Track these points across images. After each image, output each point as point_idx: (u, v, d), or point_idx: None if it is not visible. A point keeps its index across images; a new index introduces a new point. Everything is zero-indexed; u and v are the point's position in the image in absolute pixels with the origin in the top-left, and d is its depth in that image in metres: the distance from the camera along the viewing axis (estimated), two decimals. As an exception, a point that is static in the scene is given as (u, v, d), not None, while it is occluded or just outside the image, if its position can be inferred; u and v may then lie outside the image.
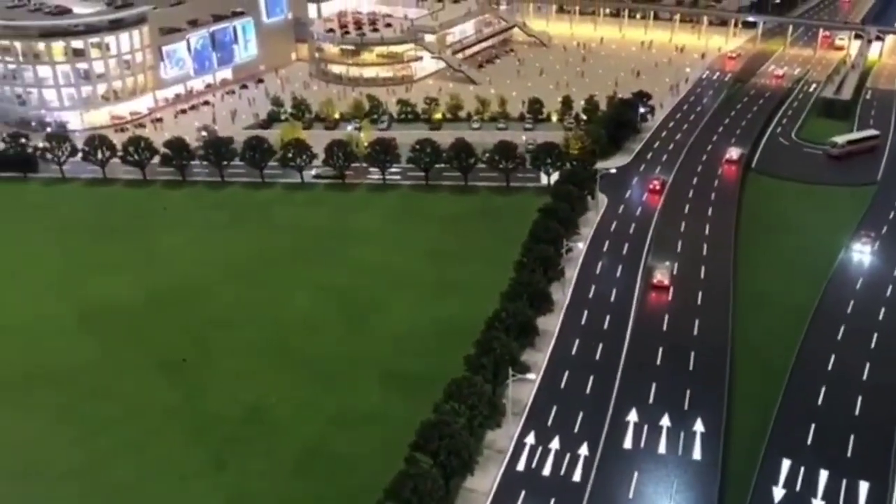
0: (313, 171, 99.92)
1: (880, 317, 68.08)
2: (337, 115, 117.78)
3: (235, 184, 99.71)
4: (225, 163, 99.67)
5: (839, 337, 65.21)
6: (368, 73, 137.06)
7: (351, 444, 56.50)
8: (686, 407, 57.65)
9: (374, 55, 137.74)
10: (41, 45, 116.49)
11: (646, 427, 56.00)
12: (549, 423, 57.47)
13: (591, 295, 72.96)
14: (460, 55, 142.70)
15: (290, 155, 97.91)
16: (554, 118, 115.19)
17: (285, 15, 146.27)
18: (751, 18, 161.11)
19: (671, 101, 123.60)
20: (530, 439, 55.97)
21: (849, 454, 53.16)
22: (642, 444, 54.67)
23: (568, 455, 54.45)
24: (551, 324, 67.97)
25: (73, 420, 60.02)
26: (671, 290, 72.35)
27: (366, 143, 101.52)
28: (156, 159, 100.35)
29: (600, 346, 65.64)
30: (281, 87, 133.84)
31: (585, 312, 70.28)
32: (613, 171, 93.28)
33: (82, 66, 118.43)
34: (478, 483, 52.08)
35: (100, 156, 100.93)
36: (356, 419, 58.98)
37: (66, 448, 57.40)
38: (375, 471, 51.20)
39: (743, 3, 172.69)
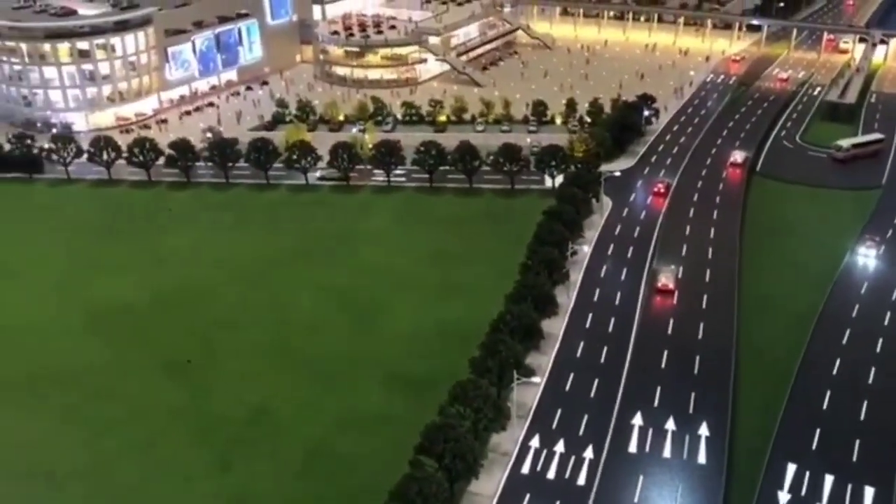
0: (318, 173, 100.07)
1: (886, 321, 67.98)
2: (341, 117, 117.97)
3: (240, 185, 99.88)
4: (230, 164, 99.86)
5: (844, 341, 65.13)
6: (373, 75, 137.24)
7: (355, 445, 56.55)
8: (691, 411, 57.63)
9: (379, 57, 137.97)
10: (47, 47, 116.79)
11: (651, 431, 55.99)
12: (554, 426, 57.48)
13: (595, 298, 72.96)
14: (464, 57, 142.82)
15: (294, 156, 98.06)
16: (558, 121, 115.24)
17: (290, 17, 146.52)
18: (755, 22, 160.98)
19: (675, 103, 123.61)
20: (535, 442, 55.98)
21: (854, 459, 53.09)
22: (647, 448, 54.64)
23: (573, 458, 54.46)
24: (556, 327, 67.99)
25: (78, 421, 60.14)
26: (676, 293, 72.29)
27: (370, 145, 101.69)
28: (161, 160, 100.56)
29: (605, 349, 65.65)
30: (285, 89, 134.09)
31: (590, 315, 70.28)
32: (618, 173, 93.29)
33: (87, 67, 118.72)
34: (482, 486, 52.09)
35: (105, 157, 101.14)
36: (360, 421, 59.02)
37: (71, 449, 57.51)
38: (379, 473, 51.19)
39: (747, 6, 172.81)
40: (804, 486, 50.99)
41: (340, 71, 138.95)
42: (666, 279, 72.77)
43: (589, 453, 54.73)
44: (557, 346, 66.11)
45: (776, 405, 57.39)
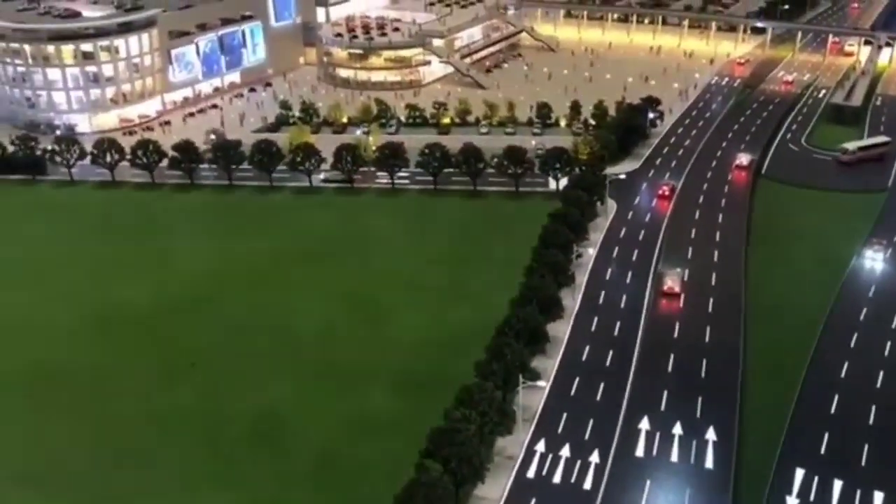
0: (322, 175, 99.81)
1: (894, 324, 67.49)
2: (345, 119, 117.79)
3: (244, 187, 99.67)
4: (233, 166, 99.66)
5: (852, 345, 64.69)
6: (376, 77, 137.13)
7: (362, 449, 56.15)
8: (698, 415, 57.18)
9: (383, 59, 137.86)
10: (51, 48, 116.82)
11: (658, 435, 55.55)
12: (560, 430, 57.07)
13: (601, 301, 72.58)
14: (468, 60, 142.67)
15: (298, 159, 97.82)
16: (562, 123, 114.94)
17: (294, 19, 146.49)
18: (760, 24, 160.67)
19: (680, 106, 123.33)
20: (540, 446, 55.58)
21: (863, 463, 52.63)
22: (654, 453, 54.21)
23: (578, 462, 54.04)
24: (561, 330, 67.61)
25: (82, 423, 59.80)
26: (682, 297, 71.86)
27: (374, 147, 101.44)
28: (164, 162, 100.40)
29: (610, 352, 65.24)
30: (289, 91, 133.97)
31: (595, 319, 69.90)
32: (623, 176, 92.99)
33: (91, 69, 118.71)
34: (488, 490, 51.69)
35: (108, 159, 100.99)
36: (367, 425, 58.63)
37: (77, 451, 57.17)
38: (386, 477, 50.91)
39: (751, 8, 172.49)
40: (812, 491, 50.53)
41: (344, 73, 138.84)
42: (672, 282, 72.36)
43: (595, 457, 54.32)
44: (563, 349, 65.72)
45: (784, 409, 56.93)
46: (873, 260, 77.59)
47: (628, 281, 75.58)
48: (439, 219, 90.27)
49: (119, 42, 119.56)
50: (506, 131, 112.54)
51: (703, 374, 61.62)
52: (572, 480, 52.65)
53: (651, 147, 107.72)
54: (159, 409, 61.01)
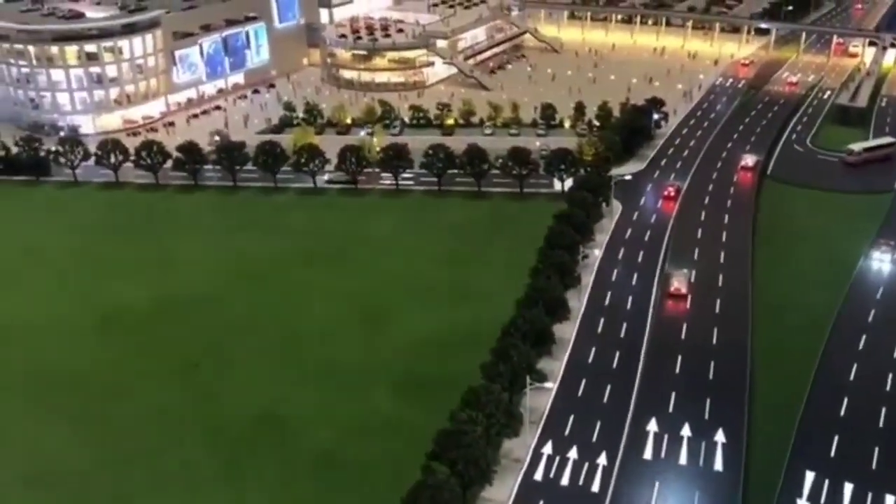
0: (326, 176, 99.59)
1: (902, 327, 67.20)
2: (349, 121, 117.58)
3: (248, 188, 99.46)
4: (238, 167, 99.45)
5: (860, 346, 64.28)
6: (380, 78, 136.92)
7: (366, 451, 55.83)
8: (707, 417, 56.79)
9: (386, 60, 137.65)
10: (54, 49, 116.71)
11: (666, 437, 55.19)
12: (567, 432, 56.72)
13: (607, 302, 72.24)
14: (472, 61, 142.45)
15: (303, 160, 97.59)
16: (566, 124, 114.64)
17: (297, 20, 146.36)
18: (763, 25, 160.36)
19: (685, 107, 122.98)
20: (547, 449, 55.24)
21: (874, 466, 52.22)
22: (663, 455, 53.85)
23: (586, 465, 53.69)
24: (567, 331, 67.26)
25: (84, 424, 59.55)
26: (689, 298, 71.48)
27: (378, 149, 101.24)
28: (168, 163, 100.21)
29: (617, 354, 64.89)
30: (293, 92, 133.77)
31: (602, 320, 69.55)
32: (629, 177, 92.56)
33: (95, 70, 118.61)
34: (495, 493, 51.30)
35: (112, 160, 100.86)
36: (371, 426, 58.32)
37: (79, 452, 56.93)
38: (391, 479, 50.64)
39: (755, 10, 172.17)
40: (823, 494, 50.12)
41: (347, 74, 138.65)
42: (679, 283, 71.99)
43: (603, 460, 53.96)
44: (569, 350, 65.38)
45: (793, 412, 56.56)
46: (881, 261, 77.17)
47: (634, 282, 75.24)
48: (443, 220, 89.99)
49: (123, 43, 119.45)
50: (510, 132, 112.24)
51: (710, 376, 61.23)
52: (580, 483, 52.31)
53: (656, 148, 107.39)
54: (162, 410, 60.73)
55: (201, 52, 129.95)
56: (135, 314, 72.82)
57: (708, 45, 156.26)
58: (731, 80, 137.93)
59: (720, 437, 54.84)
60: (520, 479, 52.72)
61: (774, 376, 61.11)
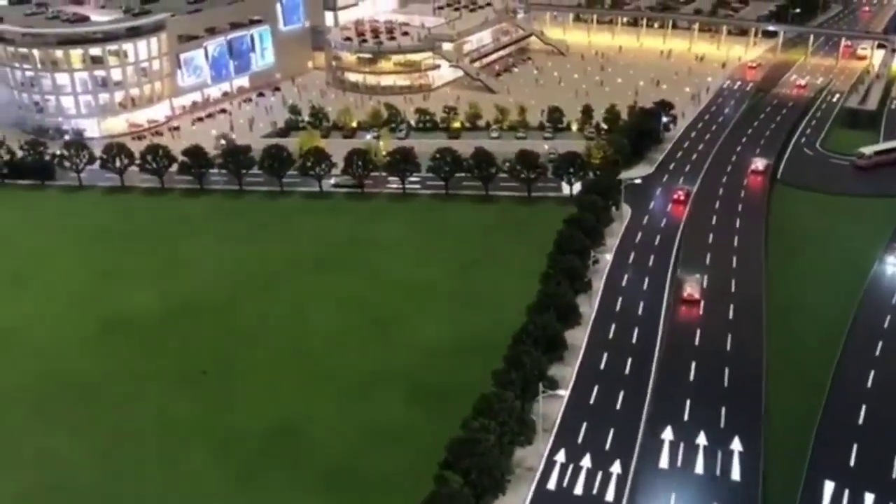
0: (332, 180, 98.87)
1: (919, 333, 66.24)
2: (355, 124, 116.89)
3: (254, 192, 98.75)
4: (244, 171, 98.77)
5: (877, 353, 63.33)
6: (385, 81, 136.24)
7: (378, 459, 55.05)
8: (722, 425, 55.86)
9: (392, 63, 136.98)
10: (59, 53, 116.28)
11: (682, 445, 54.25)
12: (580, 440, 55.84)
13: (618, 308, 71.37)
14: (477, 64, 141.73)
15: (309, 164, 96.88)
16: (574, 127, 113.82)
17: (302, 23, 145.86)
18: (771, 28, 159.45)
19: (693, 110, 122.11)
20: (560, 457, 54.40)
21: (894, 476, 51.19)
22: (679, 464, 52.92)
23: (600, 473, 52.84)
24: (578, 337, 66.42)
25: (91, 433, 58.80)
26: (702, 303, 70.55)
27: (385, 152, 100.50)
28: (174, 167, 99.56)
29: (629, 360, 64.01)
30: (298, 96, 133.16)
31: (613, 326, 68.69)
32: (638, 180, 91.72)
33: (100, 73, 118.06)
34: (508, 502, 50.48)
35: (118, 164, 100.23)
36: (383, 435, 57.50)
37: (83, 463, 56.15)
38: (403, 489, 49.97)
39: (761, 12, 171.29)
40: (843, 504, 49.29)
41: (353, 77, 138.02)
42: (691, 289, 71.06)
43: (617, 468, 53.09)
44: (580, 356, 64.51)
45: (810, 420, 55.63)
46: (895, 266, 76.18)
47: (645, 287, 74.37)
48: (451, 224, 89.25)
49: (128, 46, 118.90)
50: (517, 136, 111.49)
51: (725, 383, 60.28)
52: (594, 492, 51.45)
53: (664, 151, 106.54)
54: (171, 420, 59.92)
55: (206, 56, 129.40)
56: (141, 320, 72.09)
57: (715, 47, 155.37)
58: (738, 82, 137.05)
59: (736, 445, 53.92)
60: (533, 487, 51.92)
61: (790, 383, 60.20)
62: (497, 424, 51.72)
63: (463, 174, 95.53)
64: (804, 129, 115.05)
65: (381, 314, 72.19)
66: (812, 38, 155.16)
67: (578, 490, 51.64)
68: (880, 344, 64.37)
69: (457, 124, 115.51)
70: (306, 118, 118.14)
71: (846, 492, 49.86)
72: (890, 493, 49.76)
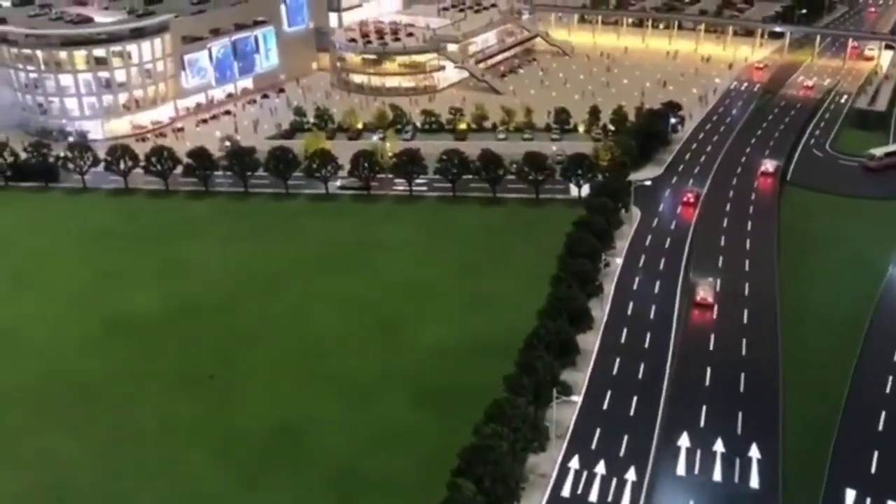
0: (338, 182, 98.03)
1: (937, 337, 65.21)
2: (360, 126, 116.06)
3: (259, 195, 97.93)
4: (249, 173, 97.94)
5: (895, 358, 62.28)
6: (390, 82, 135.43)
7: (384, 464, 54.16)
8: (739, 431, 54.88)
9: (397, 65, 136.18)
10: (63, 54, 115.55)
11: (698, 452, 53.27)
12: (594, 446, 54.89)
13: (629, 312, 70.40)
14: (482, 65, 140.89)
15: (315, 165, 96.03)
16: (581, 129, 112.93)
17: (307, 24, 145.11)
18: (778, 29, 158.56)
19: (700, 111, 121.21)
20: (574, 463, 53.44)
21: (916, 484, 50.34)
22: (696, 471, 51.93)
23: (614, 480, 51.90)
24: (590, 341, 65.50)
25: (93, 435, 58.02)
26: (715, 307, 69.56)
27: (391, 154, 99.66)
28: (178, 169, 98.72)
29: (642, 365, 63.04)
30: (302, 97, 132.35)
31: (625, 330, 67.71)
32: (648, 182, 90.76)
33: (104, 74, 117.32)
34: (522, 510, 49.63)
35: (122, 166, 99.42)
36: (388, 439, 56.64)
37: (87, 462, 55.44)
38: (410, 494, 49.34)
39: (767, 13, 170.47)
40: (865, 512, 48.31)
41: (357, 78, 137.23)
42: (704, 293, 70.06)
43: (631, 475, 52.16)
44: (592, 362, 63.54)
45: (828, 426, 54.65)
46: (910, 269, 75.31)
47: (657, 291, 73.40)
48: (458, 226, 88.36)
49: (132, 47, 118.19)
50: (523, 137, 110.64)
51: (741, 389, 59.29)
52: (609, 499, 50.53)
53: (673, 153, 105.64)
54: (174, 421, 59.14)
55: (210, 57, 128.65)
56: (143, 321, 71.36)
57: (721, 48, 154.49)
58: (746, 83, 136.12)
59: (755, 452, 52.93)
60: (547, 494, 50.99)
61: (807, 389, 59.24)
62: (510, 431, 50.84)
63: (470, 176, 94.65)
64: (813, 130, 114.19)
65: (386, 316, 71.37)
66: (819, 38, 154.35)
67: (593, 497, 50.72)
68: (898, 348, 63.48)
69: (463, 126, 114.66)
70: (311, 120, 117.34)
71: (868, 500, 48.89)
72: (913, 501, 48.86)
